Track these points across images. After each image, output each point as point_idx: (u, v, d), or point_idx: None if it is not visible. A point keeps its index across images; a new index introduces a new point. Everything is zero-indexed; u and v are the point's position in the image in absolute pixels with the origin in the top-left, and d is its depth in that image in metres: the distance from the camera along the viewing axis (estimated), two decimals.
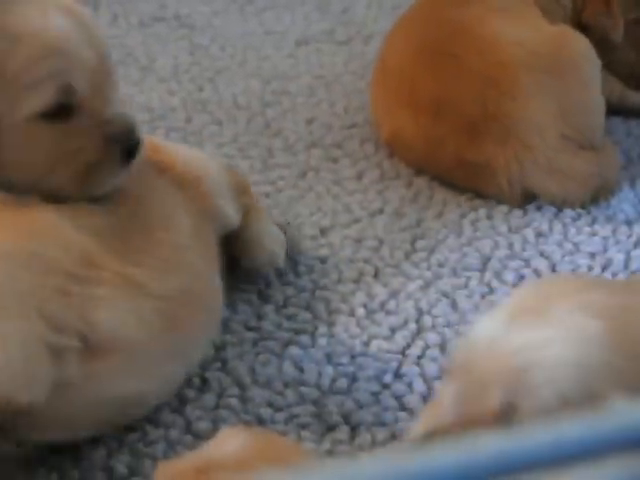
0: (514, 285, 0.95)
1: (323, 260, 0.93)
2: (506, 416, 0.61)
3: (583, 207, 1.04)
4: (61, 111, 0.73)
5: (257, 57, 1.29)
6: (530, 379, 0.61)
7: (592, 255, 0.96)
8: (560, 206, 1.05)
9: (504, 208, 1.03)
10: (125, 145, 0.75)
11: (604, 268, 0.95)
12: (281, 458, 0.59)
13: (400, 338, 0.83)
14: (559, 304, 0.63)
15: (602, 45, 1.13)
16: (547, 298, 0.64)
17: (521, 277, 0.95)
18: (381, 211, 1.04)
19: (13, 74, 0.71)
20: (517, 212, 1.03)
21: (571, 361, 0.61)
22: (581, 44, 1.07)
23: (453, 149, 1.05)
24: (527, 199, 1.06)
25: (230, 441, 0.58)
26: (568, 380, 0.61)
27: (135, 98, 1.12)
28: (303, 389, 0.77)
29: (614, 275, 0.94)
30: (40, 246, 0.69)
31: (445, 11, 1.14)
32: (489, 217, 1.03)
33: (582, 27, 1.15)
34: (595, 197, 1.04)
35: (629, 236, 0.99)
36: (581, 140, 1.04)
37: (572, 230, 1.00)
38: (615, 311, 0.63)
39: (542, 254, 0.98)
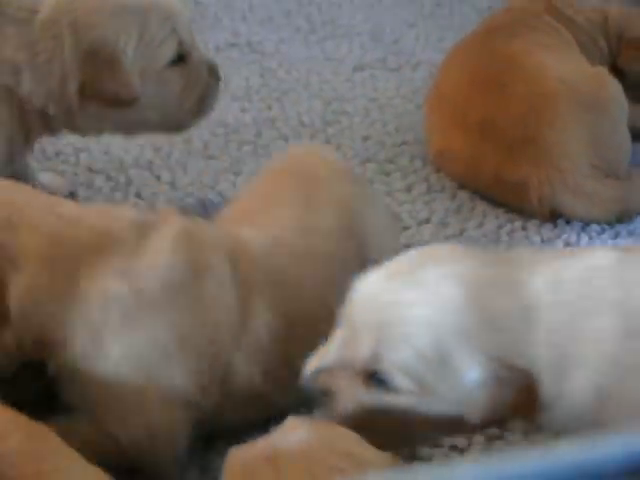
0: None
1: None
2: (373, 364, 0.64)
3: (608, 222, 1.09)
4: (179, 58, 0.95)
5: (319, 80, 1.38)
6: (393, 333, 0.64)
7: None
8: (577, 227, 1.10)
9: (537, 221, 1.10)
10: (219, 77, 1.00)
11: None
12: (344, 449, 0.58)
13: None
14: (431, 270, 0.66)
15: (633, 86, 1.20)
16: (422, 264, 0.67)
17: None
18: (428, 220, 1.11)
19: (150, 36, 0.92)
20: (548, 225, 1.10)
21: (428, 321, 0.63)
22: (616, 88, 1.13)
23: (493, 167, 1.10)
24: (555, 217, 1.10)
25: (295, 431, 0.58)
26: (423, 338, 0.63)
27: (212, 115, 1.19)
28: None
29: None
30: None
31: (495, 43, 1.20)
32: (524, 228, 1.10)
33: (616, 69, 1.21)
34: (618, 220, 1.08)
35: None
36: (607, 170, 1.10)
37: (597, 242, 1.07)
38: (478, 281, 0.65)
39: None
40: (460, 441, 0.77)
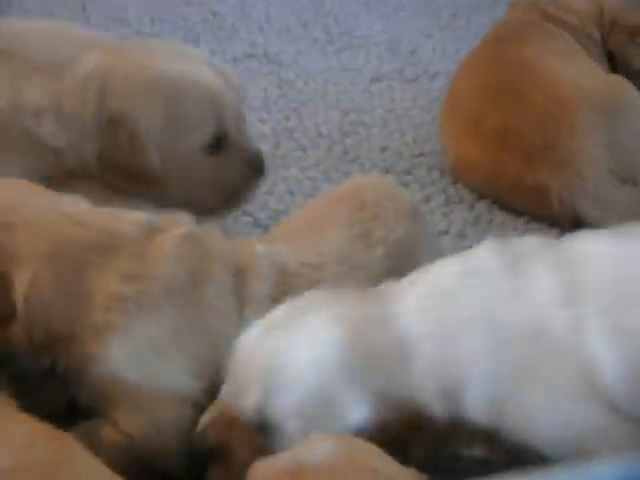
0: None
1: None
2: (261, 413, 0.65)
3: None
4: (216, 145, 0.87)
5: (336, 91, 1.39)
6: (277, 380, 0.65)
7: None
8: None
9: (555, 231, 1.08)
10: (262, 171, 0.90)
11: None
12: (369, 465, 0.57)
13: None
14: (308, 316, 0.67)
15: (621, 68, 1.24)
16: (299, 311, 0.68)
17: None
18: (446, 232, 1.11)
19: (181, 116, 0.85)
20: (565, 235, 1.09)
21: (309, 364, 0.64)
22: (633, 93, 1.15)
23: (514, 173, 1.11)
24: (575, 222, 1.10)
25: (320, 445, 0.57)
26: (306, 381, 0.64)
27: None
28: None
29: None
30: None
31: (505, 52, 1.22)
32: None
33: (610, 57, 1.25)
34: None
35: None
36: (625, 175, 1.11)
37: None
38: (355, 321, 0.67)
39: None
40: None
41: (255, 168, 0.90)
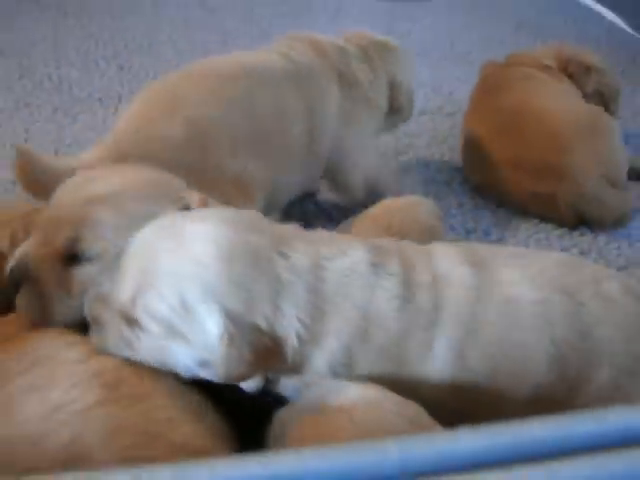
0: None
1: None
2: (130, 306, 0.63)
3: (611, 235, 1.22)
4: None
5: None
6: (147, 281, 0.62)
7: (618, 269, 1.15)
8: (596, 229, 1.24)
9: (558, 232, 1.25)
10: None
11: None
12: (389, 409, 0.59)
13: None
14: (194, 228, 0.64)
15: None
16: (191, 222, 0.65)
17: None
18: (474, 230, 1.26)
19: None
20: (567, 236, 1.25)
21: (176, 273, 0.62)
22: (608, 117, 1.31)
23: (528, 186, 1.26)
24: (577, 220, 1.25)
25: (342, 392, 0.60)
26: (170, 288, 0.61)
27: None
28: None
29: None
30: None
31: (495, 101, 1.33)
32: (547, 239, 1.24)
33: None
34: (619, 220, 1.25)
35: None
36: (612, 179, 1.25)
37: (605, 250, 1.22)
38: (236, 246, 0.63)
39: None
40: None
41: None
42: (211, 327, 0.62)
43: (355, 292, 0.66)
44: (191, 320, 0.62)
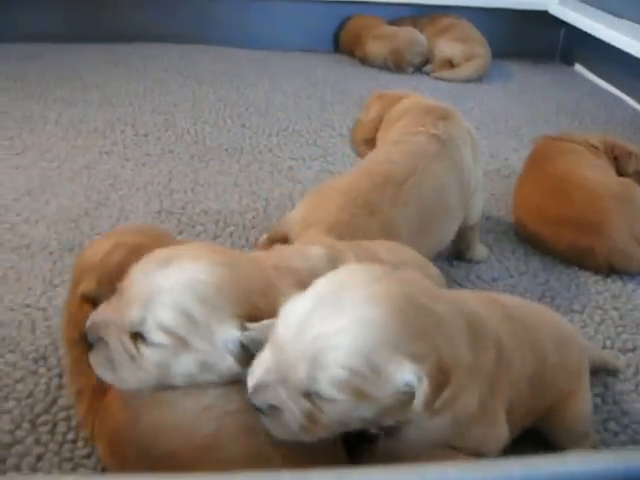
0: (599, 323, 1.20)
1: None
2: (310, 384, 0.61)
3: (639, 283, 1.34)
4: None
5: None
6: (327, 360, 0.60)
7: None
8: (625, 277, 1.35)
9: (594, 278, 1.36)
10: None
11: None
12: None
13: None
14: (353, 294, 0.61)
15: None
16: (341, 287, 0.62)
17: (602, 320, 1.20)
18: (525, 273, 1.37)
19: None
20: (601, 282, 1.36)
21: (355, 342, 0.59)
22: (637, 188, 1.42)
23: (570, 240, 1.38)
24: (610, 269, 1.36)
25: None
26: (355, 357, 0.59)
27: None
28: None
29: None
30: None
31: (544, 168, 1.47)
32: (585, 283, 1.35)
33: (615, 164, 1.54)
34: None
35: None
36: (639, 237, 1.36)
37: (632, 295, 1.32)
38: (395, 299, 0.61)
39: (614, 308, 1.27)
40: None
41: None
42: (403, 377, 0.62)
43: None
44: (381, 379, 0.61)
